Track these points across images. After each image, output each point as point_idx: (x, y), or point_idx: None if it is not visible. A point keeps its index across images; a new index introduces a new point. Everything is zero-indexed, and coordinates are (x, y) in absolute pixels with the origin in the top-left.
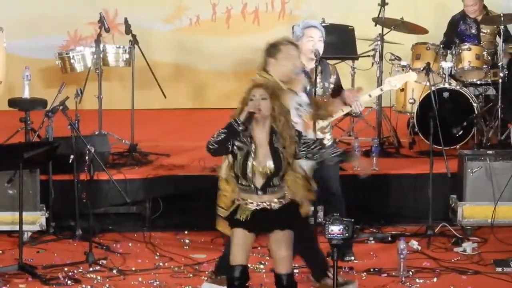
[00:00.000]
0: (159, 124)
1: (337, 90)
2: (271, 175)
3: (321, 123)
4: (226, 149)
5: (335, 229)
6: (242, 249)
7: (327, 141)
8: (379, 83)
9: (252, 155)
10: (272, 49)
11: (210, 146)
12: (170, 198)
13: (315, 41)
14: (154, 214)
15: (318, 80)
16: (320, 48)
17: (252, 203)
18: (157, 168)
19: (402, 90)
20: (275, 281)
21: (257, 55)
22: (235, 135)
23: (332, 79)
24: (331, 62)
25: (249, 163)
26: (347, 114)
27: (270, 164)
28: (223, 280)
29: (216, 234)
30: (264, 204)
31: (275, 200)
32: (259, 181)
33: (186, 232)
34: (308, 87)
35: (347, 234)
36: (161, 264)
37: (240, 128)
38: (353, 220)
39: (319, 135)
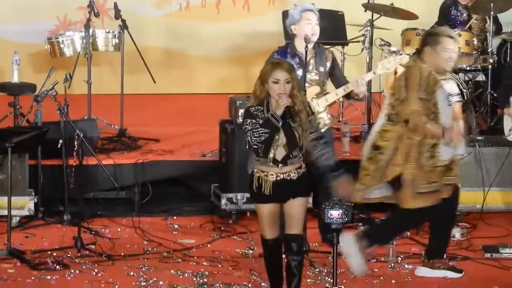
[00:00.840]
0: (149, 109)
1: (339, 77)
2: (291, 147)
3: (316, 108)
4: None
5: (335, 214)
6: (270, 223)
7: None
8: (369, 68)
9: (279, 132)
10: (432, 39)
11: (255, 146)
12: (159, 183)
13: (312, 25)
14: (143, 199)
15: (312, 64)
16: (317, 31)
17: (272, 175)
18: (146, 153)
19: (395, 73)
20: (285, 243)
21: (247, 40)
22: (277, 130)
23: (329, 63)
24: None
25: (275, 140)
26: (348, 97)
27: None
28: (435, 263)
29: (205, 219)
30: (284, 175)
31: (294, 170)
32: (280, 154)
33: (175, 217)
34: (301, 71)
35: (346, 219)
36: (150, 249)
37: (280, 123)
38: (352, 204)
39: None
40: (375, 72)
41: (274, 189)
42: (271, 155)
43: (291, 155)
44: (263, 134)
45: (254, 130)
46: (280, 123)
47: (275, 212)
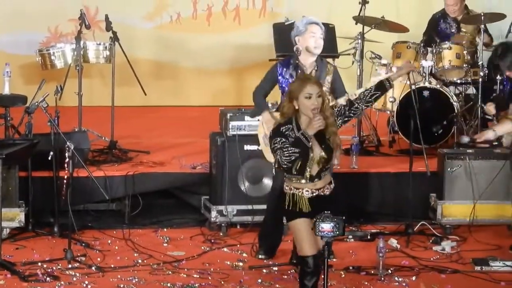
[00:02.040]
0: (139, 121)
1: (340, 90)
2: (325, 163)
3: None
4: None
5: (326, 227)
6: (310, 239)
7: None
8: (360, 81)
9: (311, 151)
10: None
11: (285, 166)
12: (150, 195)
13: (316, 38)
14: (134, 211)
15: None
16: (321, 45)
17: (307, 191)
18: (137, 165)
19: None
20: (315, 265)
21: (238, 52)
22: (307, 151)
23: (329, 78)
24: None
25: (309, 159)
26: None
27: (322, 153)
28: None
29: (195, 231)
30: (318, 191)
31: (327, 186)
32: (314, 170)
33: (165, 229)
34: None
35: (337, 232)
36: (140, 261)
37: (310, 143)
38: (344, 218)
39: None
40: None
41: (310, 205)
42: (307, 174)
43: (324, 169)
44: (293, 154)
45: (284, 150)
46: (311, 143)
47: (309, 228)
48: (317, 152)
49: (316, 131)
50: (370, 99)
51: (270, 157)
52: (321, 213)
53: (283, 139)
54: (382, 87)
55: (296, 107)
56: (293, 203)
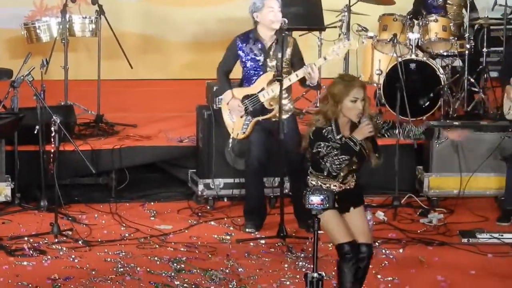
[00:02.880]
0: (126, 95)
1: (298, 63)
2: (353, 170)
3: (271, 94)
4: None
5: (316, 200)
6: (343, 227)
7: (284, 113)
8: (346, 54)
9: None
10: None
11: (335, 174)
12: (137, 169)
13: (275, 12)
14: (120, 185)
15: (273, 50)
16: (279, 18)
17: (334, 185)
18: (123, 139)
19: (344, 59)
20: (353, 251)
21: (226, 25)
22: (354, 155)
23: (288, 50)
24: (298, 32)
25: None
26: (304, 83)
27: (354, 158)
28: None
29: (182, 205)
30: (345, 185)
31: (351, 179)
32: (343, 172)
33: (152, 203)
34: (262, 57)
35: (327, 205)
36: (127, 235)
37: (357, 148)
38: (334, 190)
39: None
40: (326, 57)
41: (338, 199)
42: (340, 177)
43: (353, 172)
44: (344, 162)
45: (335, 158)
46: (358, 148)
47: (340, 217)
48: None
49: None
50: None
51: (234, 133)
52: (311, 186)
53: (328, 144)
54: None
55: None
56: None
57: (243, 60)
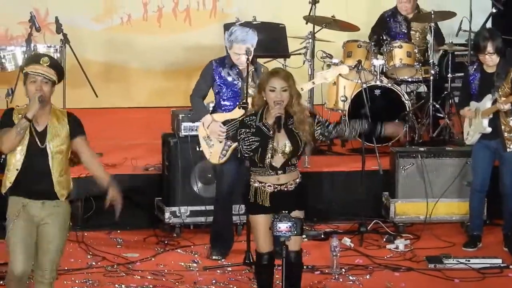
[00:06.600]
0: (91, 123)
1: None
2: (290, 156)
3: None
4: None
5: (283, 227)
6: (265, 235)
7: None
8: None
9: (271, 140)
10: None
11: (246, 155)
12: (103, 197)
13: (240, 57)
14: (87, 214)
15: (250, 80)
16: (243, 62)
17: (270, 186)
18: None
19: (334, 83)
20: (285, 258)
21: (189, 53)
22: (267, 140)
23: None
24: (262, 60)
25: (269, 147)
26: None
27: (288, 145)
28: None
29: (148, 233)
30: (281, 186)
31: (291, 181)
32: (278, 162)
33: (118, 231)
34: (240, 83)
35: (295, 232)
36: (94, 263)
37: (271, 132)
38: (302, 217)
39: None
40: (314, 82)
41: (271, 200)
42: (267, 160)
43: (289, 163)
44: (254, 143)
45: (246, 139)
46: (271, 133)
47: (267, 225)
48: (282, 143)
49: (283, 124)
50: (357, 129)
51: (212, 158)
52: (279, 213)
53: (247, 130)
54: (373, 127)
55: (265, 99)
56: (255, 196)
57: (219, 84)
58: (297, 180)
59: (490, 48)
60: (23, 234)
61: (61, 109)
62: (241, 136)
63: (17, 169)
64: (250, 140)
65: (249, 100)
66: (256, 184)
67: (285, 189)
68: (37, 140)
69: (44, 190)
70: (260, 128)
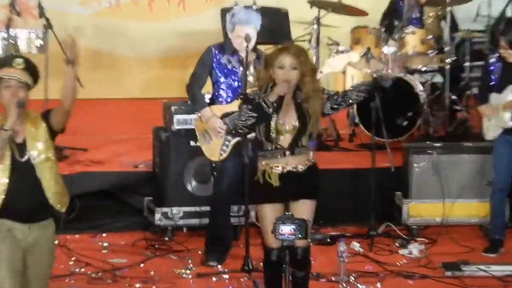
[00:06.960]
0: (76, 116)
1: None
2: (298, 134)
3: None
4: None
5: (286, 229)
6: None
7: None
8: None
9: (274, 116)
10: None
11: (241, 131)
12: (87, 197)
13: (241, 40)
14: (69, 215)
15: (252, 68)
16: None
17: (277, 167)
18: (73, 164)
19: (343, 72)
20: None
21: (183, 40)
22: (266, 117)
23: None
24: (263, 47)
25: (272, 124)
26: None
27: (295, 121)
28: None
29: (138, 236)
30: (290, 167)
31: (302, 163)
32: (285, 141)
33: (104, 234)
34: (240, 70)
35: (300, 235)
36: (77, 270)
37: (271, 110)
38: (306, 220)
39: None
40: (322, 71)
41: (280, 182)
42: (272, 135)
43: (298, 144)
44: (250, 118)
45: (243, 114)
46: (271, 110)
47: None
48: (289, 120)
49: (289, 102)
50: (362, 90)
51: (210, 154)
52: (281, 215)
53: (249, 106)
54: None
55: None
56: (264, 180)
57: (218, 72)
58: (308, 162)
59: (503, 43)
60: (9, 256)
61: (34, 113)
62: (242, 112)
63: (4, 190)
64: (247, 115)
65: (249, 91)
66: (263, 168)
67: (294, 170)
68: (16, 153)
69: (38, 206)
70: (260, 104)
